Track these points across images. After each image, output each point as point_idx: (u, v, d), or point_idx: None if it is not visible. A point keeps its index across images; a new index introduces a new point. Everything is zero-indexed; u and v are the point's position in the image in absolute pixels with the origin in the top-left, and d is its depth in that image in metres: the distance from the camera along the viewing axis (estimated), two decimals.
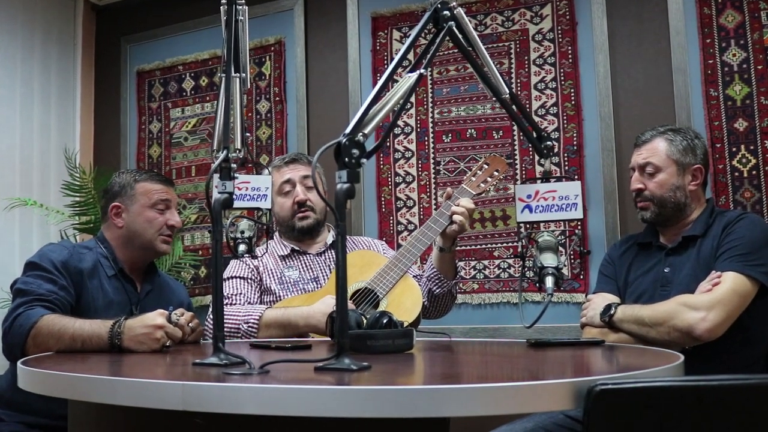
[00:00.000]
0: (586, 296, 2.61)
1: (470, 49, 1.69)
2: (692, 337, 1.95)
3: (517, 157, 3.20)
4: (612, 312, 2.09)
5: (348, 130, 1.34)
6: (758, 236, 2.10)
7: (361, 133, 1.35)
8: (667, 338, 1.97)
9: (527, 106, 3.17)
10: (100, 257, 2.24)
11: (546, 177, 1.85)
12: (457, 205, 2.31)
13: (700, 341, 1.96)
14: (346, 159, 1.31)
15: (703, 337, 1.95)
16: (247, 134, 3.63)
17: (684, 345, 1.96)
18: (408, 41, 1.57)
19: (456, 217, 2.29)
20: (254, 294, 2.46)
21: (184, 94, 4.01)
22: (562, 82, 3.16)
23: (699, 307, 1.96)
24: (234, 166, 1.53)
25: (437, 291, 2.41)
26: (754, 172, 2.81)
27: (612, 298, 2.24)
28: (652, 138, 2.28)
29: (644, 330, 2.01)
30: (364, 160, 1.33)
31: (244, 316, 2.28)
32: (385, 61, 3.49)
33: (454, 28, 1.63)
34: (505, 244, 3.18)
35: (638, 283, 2.27)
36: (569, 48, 3.16)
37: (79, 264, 2.16)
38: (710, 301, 1.97)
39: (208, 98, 3.94)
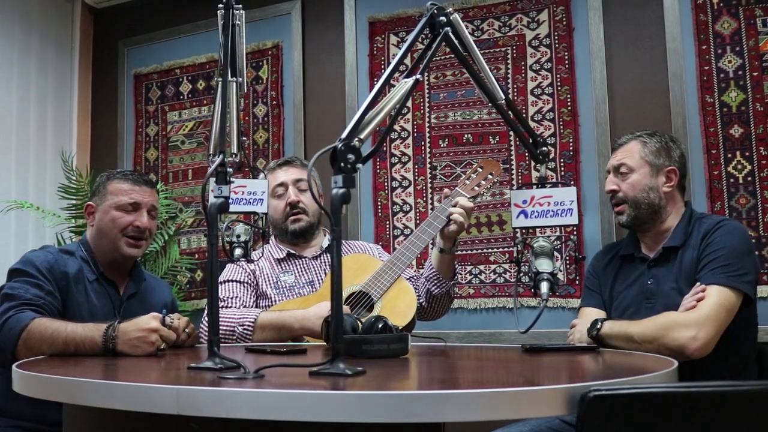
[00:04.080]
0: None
1: (466, 54, 1.70)
2: (684, 356, 1.94)
3: (514, 162, 3.20)
4: (599, 326, 2.07)
5: (344, 135, 1.35)
6: (737, 245, 2.10)
7: (357, 138, 1.36)
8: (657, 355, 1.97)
9: (523, 111, 3.18)
10: (82, 262, 2.21)
11: (541, 182, 1.85)
12: (455, 206, 2.31)
13: (692, 359, 1.95)
14: (342, 164, 1.32)
15: (694, 355, 1.94)
16: (244, 138, 3.64)
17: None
18: (404, 47, 1.58)
19: (455, 216, 2.29)
20: (250, 297, 2.46)
21: (182, 97, 4.01)
22: (559, 88, 3.16)
23: (689, 325, 1.95)
24: (230, 170, 1.53)
25: (435, 291, 2.42)
26: (749, 179, 2.82)
27: (597, 314, 2.24)
28: (628, 141, 2.32)
29: (633, 346, 1.98)
30: (359, 165, 1.34)
31: (239, 318, 2.28)
32: (382, 66, 3.50)
33: (450, 33, 1.64)
34: (500, 249, 3.18)
35: (623, 297, 2.27)
36: (566, 54, 3.16)
37: (64, 268, 2.13)
38: (699, 318, 1.96)
39: (205, 102, 3.94)
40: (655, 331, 1.97)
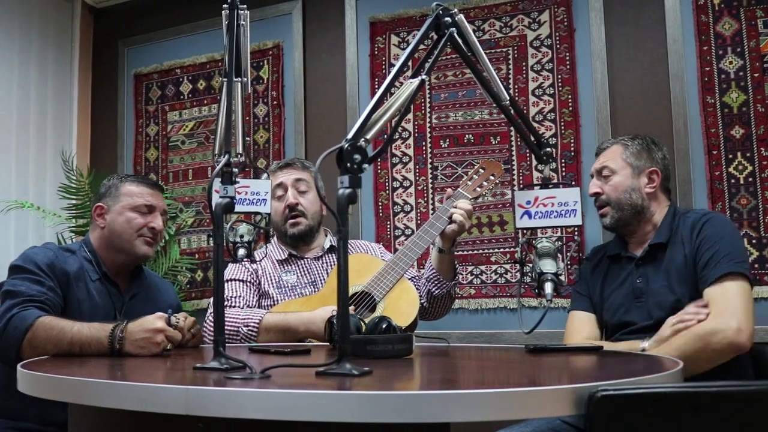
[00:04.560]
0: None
1: (471, 54, 1.70)
2: (737, 351, 1.97)
3: (515, 162, 3.21)
4: None
5: (350, 136, 1.35)
6: (731, 234, 2.16)
7: (363, 139, 1.36)
8: (707, 365, 1.98)
9: (525, 111, 3.18)
10: (84, 261, 2.21)
11: (545, 183, 1.85)
12: (455, 207, 2.33)
13: (744, 351, 1.98)
14: (349, 164, 1.32)
15: (747, 345, 1.97)
16: (247, 138, 3.64)
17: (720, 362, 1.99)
18: (410, 47, 1.58)
19: (456, 217, 2.30)
20: (253, 297, 2.46)
21: (182, 97, 4.01)
22: (560, 89, 3.17)
23: (727, 319, 1.97)
24: (235, 170, 1.53)
25: (436, 292, 2.42)
26: (750, 179, 2.83)
27: (588, 317, 2.32)
28: (610, 145, 2.38)
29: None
30: (366, 166, 1.34)
31: (244, 319, 2.28)
32: (383, 66, 3.50)
33: (456, 34, 1.64)
34: (501, 250, 3.19)
35: (614, 297, 2.29)
36: (567, 54, 3.17)
37: (65, 266, 2.13)
38: (733, 311, 1.99)
39: (205, 101, 3.94)
40: (699, 342, 1.98)
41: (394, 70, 1.51)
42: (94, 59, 4.32)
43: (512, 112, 1.77)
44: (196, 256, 3.84)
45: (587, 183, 3.04)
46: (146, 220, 2.26)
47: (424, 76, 1.52)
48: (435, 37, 1.66)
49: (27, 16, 3.97)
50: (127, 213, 2.26)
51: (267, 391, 1.12)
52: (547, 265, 1.77)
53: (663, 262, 2.21)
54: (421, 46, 1.72)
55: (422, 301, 2.43)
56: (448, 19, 1.63)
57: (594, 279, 2.38)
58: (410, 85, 1.49)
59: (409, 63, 1.64)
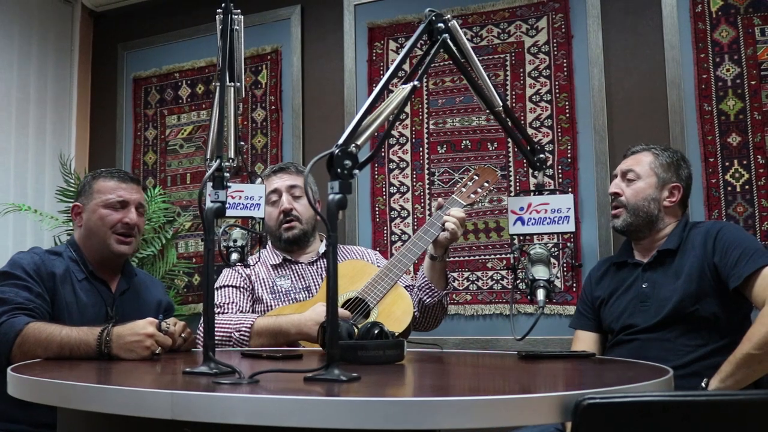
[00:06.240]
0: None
1: (464, 61, 1.70)
2: None
3: (512, 169, 3.21)
4: (705, 387, 2.04)
5: (341, 141, 1.35)
6: (749, 236, 2.22)
7: (353, 144, 1.36)
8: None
9: (522, 118, 3.18)
10: (70, 262, 2.21)
11: (539, 189, 1.85)
12: (448, 215, 2.33)
13: None
14: (339, 170, 1.32)
15: None
16: (242, 143, 3.64)
17: None
18: (402, 53, 1.58)
19: (448, 225, 2.31)
20: (246, 303, 2.46)
21: (180, 101, 4.01)
22: (557, 95, 3.17)
23: None
24: (227, 175, 1.53)
25: (427, 301, 2.42)
26: (746, 187, 2.83)
27: (593, 338, 2.35)
28: (641, 150, 2.37)
29: (755, 365, 1.99)
30: (356, 171, 1.34)
31: (236, 324, 2.28)
32: (381, 71, 3.50)
33: (449, 40, 1.64)
34: (498, 256, 3.18)
35: (618, 303, 2.30)
36: (564, 61, 3.17)
37: (51, 269, 2.14)
38: None
39: (204, 106, 3.95)
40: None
41: (385, 77, 1.51)
42: (93, 63, 4.33)
43: (505, 118, 1.77)
44: (194, 260, 3.84)
45: (584, 189, 3.07)
46: (120, 215, 2.24)
47: (415, 83, 1.52)
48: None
49: (27, 19, 3.98)
50: (101, 210, 2.24)
51: (253, 396, 1.12)
52: (540, 272, 1.76)
53: (671, 268, 2.23)
54: (419, 52, 1.72)
55: (414, 310, 2.43)
56: (441, 24, 1.62)
57: (600, 288, 2.39)
58: (402, 91, 1.49)
59: (407, 67, 1.64)
